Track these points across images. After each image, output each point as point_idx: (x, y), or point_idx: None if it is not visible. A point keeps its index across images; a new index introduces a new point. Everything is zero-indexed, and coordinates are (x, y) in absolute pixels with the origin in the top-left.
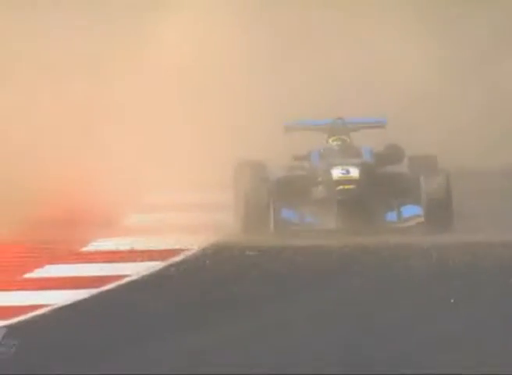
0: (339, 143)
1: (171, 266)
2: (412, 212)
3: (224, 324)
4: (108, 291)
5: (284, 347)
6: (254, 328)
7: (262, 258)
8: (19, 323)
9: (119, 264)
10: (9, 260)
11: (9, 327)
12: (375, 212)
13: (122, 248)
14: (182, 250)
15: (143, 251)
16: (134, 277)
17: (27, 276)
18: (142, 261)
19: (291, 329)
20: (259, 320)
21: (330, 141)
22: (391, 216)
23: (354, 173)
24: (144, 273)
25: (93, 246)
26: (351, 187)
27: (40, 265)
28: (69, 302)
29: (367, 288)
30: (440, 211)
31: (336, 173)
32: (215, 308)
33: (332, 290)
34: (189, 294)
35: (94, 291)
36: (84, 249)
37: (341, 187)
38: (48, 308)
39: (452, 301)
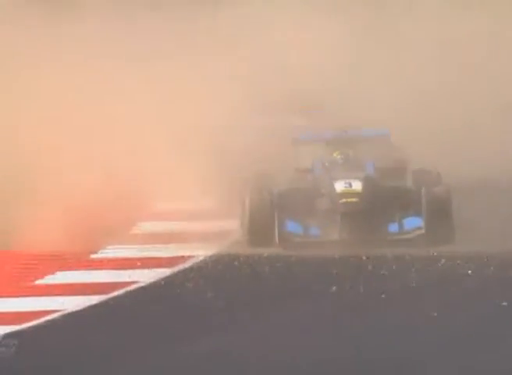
0: (342, 156)
1: (178, 273)
2: (414, 223)
3: (229, 328)
4: (117, 297)
5: (286, 350)
6: (259, 332)
7: (267, 266)
8: (31, 328)
9: (128, 271)
10: (21, 267)
11: (20, 332)
12: (378, 224)
13: (130, 255)
14: (189, 257)
15: (151, 259)
16: (142, 284)
17: (39, 282)
18: (150, 268)
19: (293, 333)
20: (263, 325)
21: (334, 154)
22: (393, 227)
23: (357, 186)
24: (152, 279)
25: (102, 253)
26: (354, 200)
27: (51, 271)
28: (79, 308)
29: (367, 296)
30: (440, 223)
31: (339, 186)
32: (221, 313)
33: (335, 297)
34: (195, 299)
35: (103, 297)
36: (94, 256)
37: (344, 199)
38: (59, 314)
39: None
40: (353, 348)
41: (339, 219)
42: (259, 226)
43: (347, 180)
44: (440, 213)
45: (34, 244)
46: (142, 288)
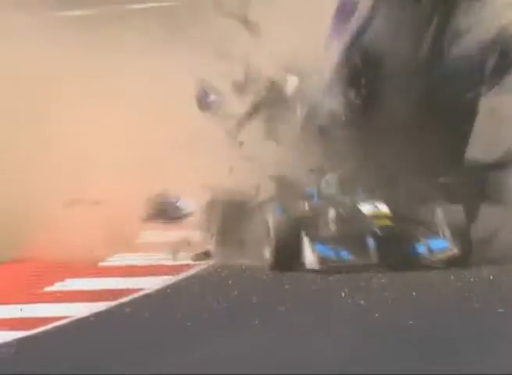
0: (333, 180)
1: (183, 280)
2: (440, 245)
3: (234, 334)
4: (123, 304)
5: (288, 357)
6: (262, 339)
7: (270, 274)
8: (40, 333)
9: (135, 278)
10: (31, 275)
11: (30, 338)
12: (408, 246)
13: (137, 263)
14: (193, 265)
15: (156, 266)
16: (148, 291)
17: (48, 289)
18: (156, 275)
19: (295, 340)
20: (267, 332)
21: (325, 178)
22: (421, 249)
23: (384, 208)
24: (158, 286)
25: (110, 261)
26: (387, 222)
27: (60, 279)
28: (87, 314)
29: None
30: (460, 244)
31: (367, 208)
32: (225, 319)
33: (337, 306)
34: (201, 305)
35: (110, 303)
36: (102, 264)
37: (378, 221)
38: (67, 320)
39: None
40: (355, 356)
41: (372, 242)
42: (285, 250)
43: (371, 203)
44: (457, 235)
45: (45, 253)
46: (148, 295)
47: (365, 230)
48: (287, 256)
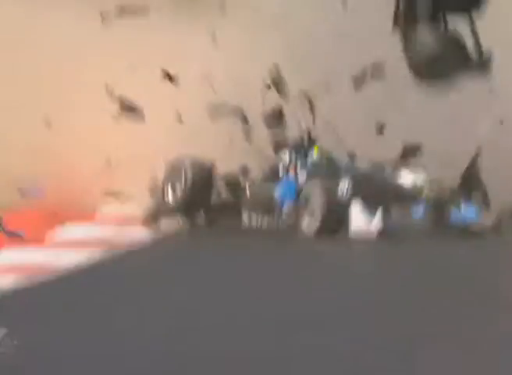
0: (326, 156)
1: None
2: (473, 216)
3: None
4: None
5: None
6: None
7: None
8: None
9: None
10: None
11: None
12: (449, 215)
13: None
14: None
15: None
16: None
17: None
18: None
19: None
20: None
21: (315, 155)
22: (456, 219)
23: (420, 178)
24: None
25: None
26: (428, 192)
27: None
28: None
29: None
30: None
31: (407, 180)
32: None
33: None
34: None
35: (109, 252)
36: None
37: (426, 192)
38: (66, 269)
39: None
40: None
41: (417, 209)
42: (335, 215)
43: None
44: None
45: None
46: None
47: (407, 199)
48: (335, 221)
